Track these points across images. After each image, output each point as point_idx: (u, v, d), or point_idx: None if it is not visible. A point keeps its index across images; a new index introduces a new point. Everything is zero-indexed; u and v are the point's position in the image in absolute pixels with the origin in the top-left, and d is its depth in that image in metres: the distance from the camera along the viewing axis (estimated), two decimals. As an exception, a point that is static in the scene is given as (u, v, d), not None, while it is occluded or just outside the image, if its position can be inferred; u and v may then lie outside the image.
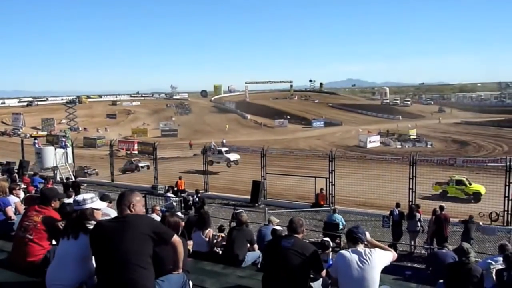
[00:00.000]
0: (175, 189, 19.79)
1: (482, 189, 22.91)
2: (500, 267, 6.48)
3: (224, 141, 53.10)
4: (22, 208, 6.19)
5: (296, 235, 4.24)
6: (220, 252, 7.21)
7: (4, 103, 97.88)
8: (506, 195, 16.93)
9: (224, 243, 7.23)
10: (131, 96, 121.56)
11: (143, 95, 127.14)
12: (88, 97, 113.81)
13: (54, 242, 4.29)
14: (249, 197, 21.32)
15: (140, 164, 37.42)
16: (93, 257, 3.45)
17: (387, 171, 22.41)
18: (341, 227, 14.04)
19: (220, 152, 34.42)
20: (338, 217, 14.51)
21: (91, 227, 3.51)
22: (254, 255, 6.74)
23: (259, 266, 6.51)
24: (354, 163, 30.44)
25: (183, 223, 4.70)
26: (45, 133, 69.46)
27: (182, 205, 16.96)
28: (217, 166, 31.43)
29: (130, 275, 3.08)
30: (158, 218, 7.36)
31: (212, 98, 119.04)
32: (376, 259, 3.73)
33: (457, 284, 5.65)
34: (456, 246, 6.69)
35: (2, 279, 4.06)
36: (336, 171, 20.49)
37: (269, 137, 61.49)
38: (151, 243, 3.23)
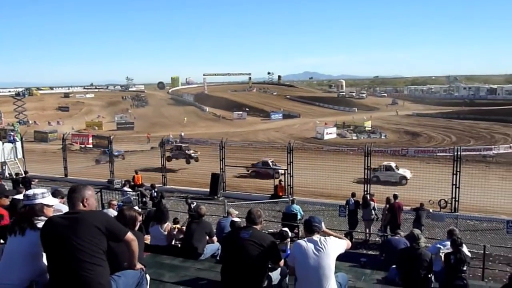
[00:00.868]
0: (132, 183, 19.39)
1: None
2: (447, 251, 6.82)
3: (183, 134, 52.50)
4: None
5: (255, 226, 4.29)
6: (179, 245, 7.18)
7: None
8: (454, 183, 17.82)
9: (182, 236, 7.19)
10: (85, 88, 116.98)
11: (97, 87, 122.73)
12: (38, 89, 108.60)
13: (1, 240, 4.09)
14: (208, 189, 21.23)
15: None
16: (44, 255, 3.32)
17: (344, 162, 22.98)
18: (299, 217, 14.24)
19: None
20: (296, 208, 14.70)
21: (41, 223, 3.36)
22: (213, 247, 6.76)
23: (218, 258, 6.53)
24: (312, 155, 31.04)
25: (140, 217, 4.61)
26: (-9, 126, 65.93)
27: (140, 199, 16.64)
28: (177, 161, 31.00)
29: (83, 272, 3.00)
30: (114, 213, 7.22)
31: (170, 90, 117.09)
32: (331, 247, 3.83)
33: (408, 268, 5.92)
34: (408, 233, 6.97)
35: None
36: (294, 162, 20.74)
37: (228, 129, 61.29)
38: (104, 239, 3.14)
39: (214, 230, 7.57)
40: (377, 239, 14.43)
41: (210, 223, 7.51)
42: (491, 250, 11.71)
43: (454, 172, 17.87)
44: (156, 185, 18.80)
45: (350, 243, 4.21)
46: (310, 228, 4.00)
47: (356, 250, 12.34)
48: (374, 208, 14.86)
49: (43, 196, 3.61)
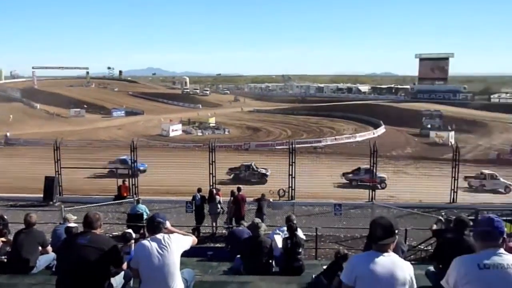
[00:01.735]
0: None
1: (267, 171, 26.43)
2: (285, 236, 7.41)
3: (8, 134, 46.24)
4: None
5: (93, 231, 4.04)
6: (5, 260, 6.37)
7: None
8: (290, 173, 19.55)
9: (8, 249, 6.40)
10: None
11: None
12: None
13: None
14: (42, 195, 19.19)
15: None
16: None
17: (189, 158, 23.14)
18: (145, 217, 13.87)
19: None
20: (142, 208, 14.30)
21: None
22: (47, 258, 6.23)
23: (53, 269, 5.98)
24: (157, 152, 30.56)
25: None
26: None
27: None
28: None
29: None
30: None
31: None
32: (175, 244, 3.82)
33: (251, 256, 6.27)
34: (250, 223, 7.37)
35: None
36: (139, 161, 20.10)
37: (64, 128, 56.05)
38: None
39: (50, 240, 6.92)
40: (223, 231, 14.92)
41: (42, 231, 6.77)
42: (322, 231, 13.06)
43: (290, 163, 19.61)
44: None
45: (195, 239, 4.26)
46: (153, 224, 3.92)
47: (204, 244, 12.57)
48: (219, 202, 15.34)
49: None
